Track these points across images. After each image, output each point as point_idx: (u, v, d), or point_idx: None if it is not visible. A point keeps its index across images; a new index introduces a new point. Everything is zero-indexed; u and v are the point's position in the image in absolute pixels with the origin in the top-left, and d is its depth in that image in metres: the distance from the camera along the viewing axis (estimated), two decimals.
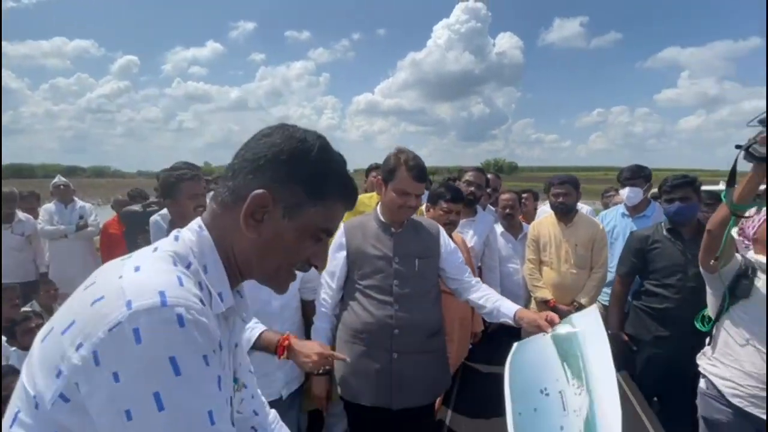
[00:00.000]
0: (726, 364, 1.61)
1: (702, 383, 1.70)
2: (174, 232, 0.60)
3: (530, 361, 1.21)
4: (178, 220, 1.80)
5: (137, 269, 0.51)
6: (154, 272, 0.51)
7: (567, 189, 2.41)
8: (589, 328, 1.12)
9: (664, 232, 2.11)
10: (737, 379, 1.56)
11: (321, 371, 1.27)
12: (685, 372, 1.86)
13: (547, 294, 2.44)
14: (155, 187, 4.91)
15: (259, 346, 1.26)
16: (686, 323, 1.98)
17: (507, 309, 1.45)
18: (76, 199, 4.16)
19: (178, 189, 1.66)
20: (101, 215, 4.40)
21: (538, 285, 2.49)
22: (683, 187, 2.01)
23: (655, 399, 2.17)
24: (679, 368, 1.95)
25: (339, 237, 1.59)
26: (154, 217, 2.13)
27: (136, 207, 3.14)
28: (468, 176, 2.50)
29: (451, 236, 2.09)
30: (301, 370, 1.68)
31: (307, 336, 1.76)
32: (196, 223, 0.61)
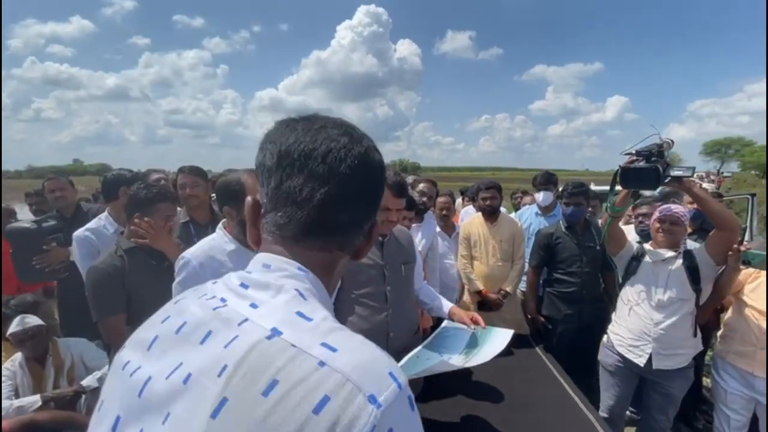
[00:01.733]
0: (617, 323, 2.14)
1: (604, 337, 2.20)
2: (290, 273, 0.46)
3: (447, 337, 1.60)
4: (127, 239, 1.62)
5: (329, 347, 0.38)
6: (358, 344, 0.40)
7: (493, 193, 2.78)
8: (496, 343, 1.51)
9: (563, 229, 2.64)
10: (622, 333, 2.09)
11: None
12: (589, 339, 2.35)
13: (479, 285, 2.77)
14: (28, 192, 4.06)
15: None
16: (587, 301, 2.53)
17: (444, 306, 1.72)
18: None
19: (153, 207, 1.54)
20: None
21: (471, 277, 2.81)
22: (578, 195, 2.56)
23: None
24: (584, 336, 2.44)
25: None
26: (80, 233, 1.83)
27: (26, 223, 2.56)
28: (421, 187, 2.92)
29: None
30: None
31: None
32: (293, 265, 0.47)
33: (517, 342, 2.68)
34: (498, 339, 1.54)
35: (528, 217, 3.28)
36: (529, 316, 2.75)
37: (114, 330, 1.57)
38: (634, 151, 1.79)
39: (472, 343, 1.55)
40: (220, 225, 1.47)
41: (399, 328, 1.58)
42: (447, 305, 1.72)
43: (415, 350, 1.46)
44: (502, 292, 2.75)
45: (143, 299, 1.56)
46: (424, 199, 2.81)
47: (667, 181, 1.70)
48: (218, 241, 1.42)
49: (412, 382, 1.55)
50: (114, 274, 1.56)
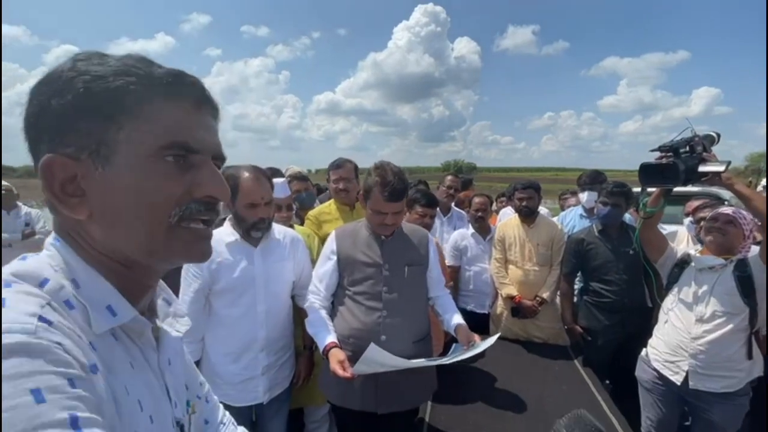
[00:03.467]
0: (656, 335, 1.93)
1: (643, 351, 1.99)
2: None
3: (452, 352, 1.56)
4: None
5: None
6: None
7: (530, 193, 2.63)
8: (480, 346, 1.49)
9: (596, 234, 2.43)
10: (658, 347, 1.88)
11: None
12: (632, 354, 2.13)
13: (513, 290, 2.64)
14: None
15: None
16: (629, 311, 2.31)
17: (453, 321, 1.64)
18: (20, 204, 3.85)
19: None
20: (42, 214, 4.09)
21: (504, 282, 2.68)
22: (617, 195, 2.34)
23: (607, 381, 2.44)
24: (628, 351, 2.22)
25: (330, 243, 1.62)
26: None
27: None
28: (448, 181, 3.19)
29: None
30: (288, 374, 1.72)
31: (297, 339, 1.78)
32: (51, 236, 0.46)
33: (554, 352, 2.54)
34: (485, 342, 1.49)
35: (571, 220, 3.05)
36: (565, 327, 2.57)
37: None
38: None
39: (461, 350, 1.52)
40: (228, 218, 1.57)
41: (394, 332, 1.51)
42: (456, 321, 1.62)
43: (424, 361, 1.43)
44: (538, 298, 2.60)
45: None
46: (452, 191, 3.17)
47: (703, 178, 1.52)
48: (221, 233, 1.53)
49: (422, 378, 1.57)
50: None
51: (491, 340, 1.50)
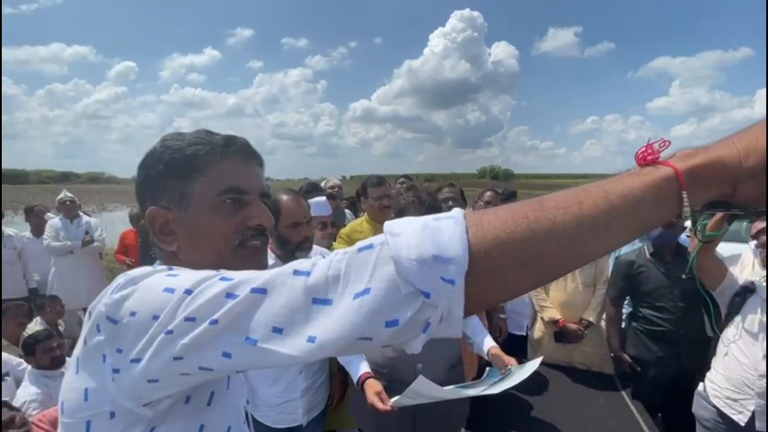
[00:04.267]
0: (715, 369, 1.77)
1: (700, 385, 1.83)
2: None
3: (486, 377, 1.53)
4: None
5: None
6: None
7: None
8: (525, 370, 1.45)
9: (648, 256, 2.25)
10: (718, 383, 1.72)
11: None
12: (690, 388, 1.95)
13: (556, 314, 2.49)
14: None
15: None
16: (686, 341, 2.11)
17: (485, 344, 1.59)
18: (81, 214, 4.19)
19: None
20: (100, 223, 4.41)
21: (545, 305, 2.54)
22: None
23: (659, 416, 2.24)
24: (684, 385, 2.03)
25: None
26: None
27: None
28: (487, 197, 3.07)
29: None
30: (324, 396, 1.72)
31: (331, 361, 1.77)
32: (156, 263, 0.61)
33: (599, 382, 2.37)
34: (527, 368, 1.44)
35: None
36: (612, 354, 2.39)
37: None
38: None
39: (498, 376, 1.48)
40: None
41: (429, 359, 1.46)
42: (488, 344, 1.58)
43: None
44: (583, 321, 2.45)
45: None
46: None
47: None
48: None
49: (456, 404, 1.51)
50: None
51: (534, 364, 1.45)
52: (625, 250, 2.74)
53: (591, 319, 2.43)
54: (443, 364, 1.52)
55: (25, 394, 1.93)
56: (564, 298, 2.50)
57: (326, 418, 1.77)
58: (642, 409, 2.13)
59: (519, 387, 2.22)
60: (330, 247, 2.04)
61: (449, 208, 1.53)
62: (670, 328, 2.12)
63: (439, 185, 2.89)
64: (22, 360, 2.27)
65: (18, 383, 2.11)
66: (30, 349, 2.08)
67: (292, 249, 1.51)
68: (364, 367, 1.44)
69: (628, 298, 2.42)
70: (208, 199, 0.58)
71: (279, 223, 1.48)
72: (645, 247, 2.31)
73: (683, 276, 2.09)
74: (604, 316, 2.54)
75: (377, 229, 2.32)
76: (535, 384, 2.27)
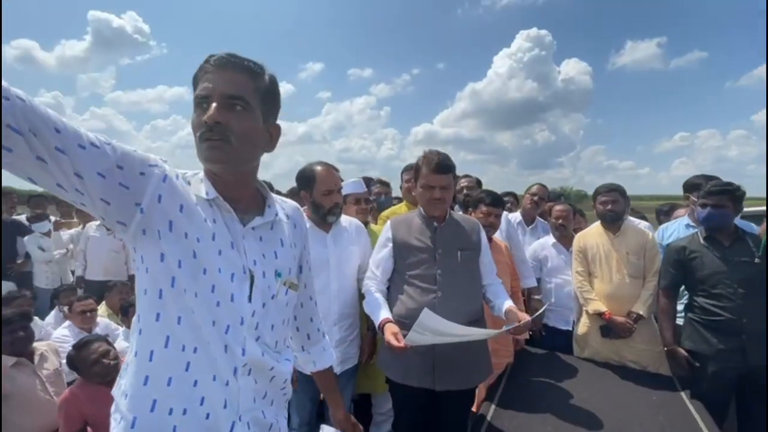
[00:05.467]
0: None
1: None
2: None
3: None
4: None
5: None
6: None
7: (614, 196, 2.40)
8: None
9: (702, 241, 2.10)
10: None
11: None
12: (761, 383, 1.74)
13: (601, 306, 2.38)
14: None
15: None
16: (750, 332, 1.90)
17: (502, 306, 1.66)
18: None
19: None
20: None
21: (590, 297, 2.44)
22: (719, 194, 2.02)
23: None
24: (754, 380, 1.82)
25: (386, 231, 1.76)
26: None
27: None
28: (534, 189, 3.17)
29: (490, 239, 2.22)
30: (356, 351, 1.88)
31: (363, 318, 1.91)
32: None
33: (654, 382, 2.17)
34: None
35: (674, 231, 2.65)
36: (666, 349, 2.20)
37: None
38: None
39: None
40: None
41: (449, 312, 1.52)
42: (506, 305, 1.63)
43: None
44: (632, 314, 2.31)
45: None
46: (535, 199, 3.15)
47: None
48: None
49: (478, 358, 1.65)
50: None
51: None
52: (676, 236, 2.55)
53: (641, 311, 2.28)
54: (463, 317, 1.58)
55: (120, 347, 2.39)
56: (609, 290, 2.39)
57: (357, 377, 1.91)
58: (704, 412, 1.91)
59: (559, 377, 2.15)
60: (364, 222, 2.22)
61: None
62: (731, 318, 1.94)
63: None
64: (118, 326, 2.80)
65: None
66: (125, 312, 2.64)
67: (325, 213, 1.74)
68: (385, 314, 1.57)
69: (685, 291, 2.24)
70: (194, 103, 0.78)
71: (314, 190, 1.73)
72: (698, 232, 2.16)
73: (756, 260, 1.93)
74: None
75: (412, 210, 2.48)
76: (579, 377, 2.18)
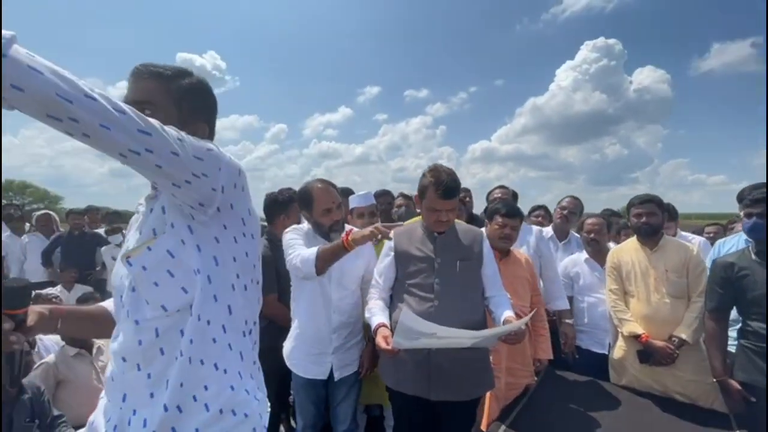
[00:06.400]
0: None
1: None
2: None
3: None
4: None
5: None
6: None
7: (650, 208, 2.19)
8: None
9: (753, 257, 1.85)
10: None
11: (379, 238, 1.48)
12: None
13: (637, 327, 2.16)
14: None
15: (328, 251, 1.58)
16: None
17: (501, 316, 1.60)
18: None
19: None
20: None
21: (624, 318, 2.22)
22: (763, 202, 1.79)
23: None
24: None
25: (389, 241, 1.76)
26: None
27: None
28: (564, 202, 2.97)
29: (508, 252, 2.14)
30: (357, 357, 1.89)
31: (366, 327, 1.93)
32: None
33: (706, 418, 1.90)
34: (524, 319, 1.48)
35: (732, 247, 2.34)
36: (715, 380, 1.93)
37: (270, 305, 2.14)
38: None
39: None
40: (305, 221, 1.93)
41: (446, 321, 1.46)
42: (505, 314, 1.58)
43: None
44: (674, 339, 2.06)
45: (288, 283, 2.04)
46: (564, 213, 2.93)
47: None
48: (307, 230, 1.89)
49: (476, 370, 1.62)
50: (269, 261, 2.20)
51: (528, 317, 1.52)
52: (725, 251, 2.25)
53: (684, 336, 2.02)
54: (461, 327, 1.51)
55: None
56: (647, 311, 2.16)
57: (369, 387, 1.92)
58: None
59: (589, 405, 1.97)
60: None
61: (502, 216, 2.13)
62: None
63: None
64: None
65: None
66: None
67: (326, 232, 1.80)
68: (380, 319, 1.59)
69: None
70: None
71: (313, 210, 1.79)
72: (749, 247, 1.90)
73: None
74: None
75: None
76: (614, 409, 1.97)
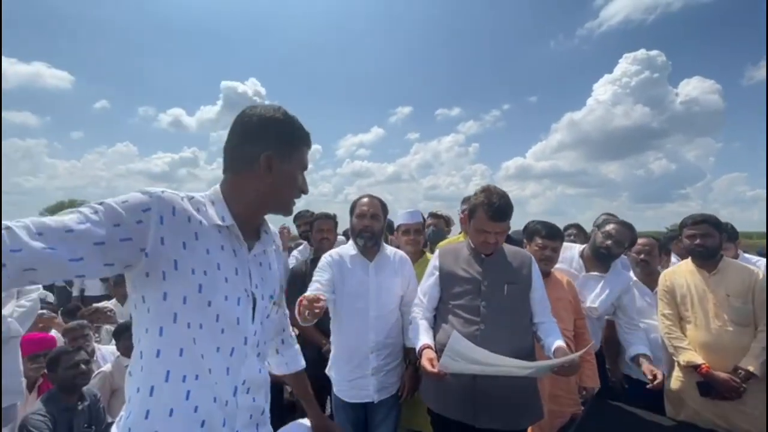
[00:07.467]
0: None
1: None
2: None
3: None
4: None
5: None
6: None
7: (705, 229, 2.06)
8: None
9: None
10: None
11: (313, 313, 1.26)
12: None
13: (695, 357, 2.00)
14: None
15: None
16: None
17: (552, 345, 1.53)
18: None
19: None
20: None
21: (681, 346, 2.07)
22: None
23: None
24: None
25: (434, 260, 1.77)
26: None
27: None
28: (609, 228, 2.29)
29: (548, 274, 2.07)
30: (396, 379, 1.88)
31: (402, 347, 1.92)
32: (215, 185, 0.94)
33: None
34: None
35: None
36: None
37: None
38: None
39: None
40: (351, 239, 1.96)
41: (492, 346, 1.42)
42: (556, 344, 1.52)
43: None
44: (740, 372, 1.89)
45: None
46: (609, 242, 2.22)
47: None
48: (347, 248, 1.94)
49: (525, 400, 1.58)
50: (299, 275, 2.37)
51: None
52: None
53: (751, 368, 1.85)
54: (508, 353, 1.46)
55: None
56: (707, 339, 2.00)
57: (401, 410, 1.89)
58: None
59: None
60: (414, 253, 2.27)
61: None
62: None
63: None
64: None
65: None
66: None
67: (356, 236, 1.88)
68: (425, 340, 1.56)
69: None
70: (298, 165, 0.98)
71: (353, 216, 1.92)
72: None
73: None
74: None
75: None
76: None
